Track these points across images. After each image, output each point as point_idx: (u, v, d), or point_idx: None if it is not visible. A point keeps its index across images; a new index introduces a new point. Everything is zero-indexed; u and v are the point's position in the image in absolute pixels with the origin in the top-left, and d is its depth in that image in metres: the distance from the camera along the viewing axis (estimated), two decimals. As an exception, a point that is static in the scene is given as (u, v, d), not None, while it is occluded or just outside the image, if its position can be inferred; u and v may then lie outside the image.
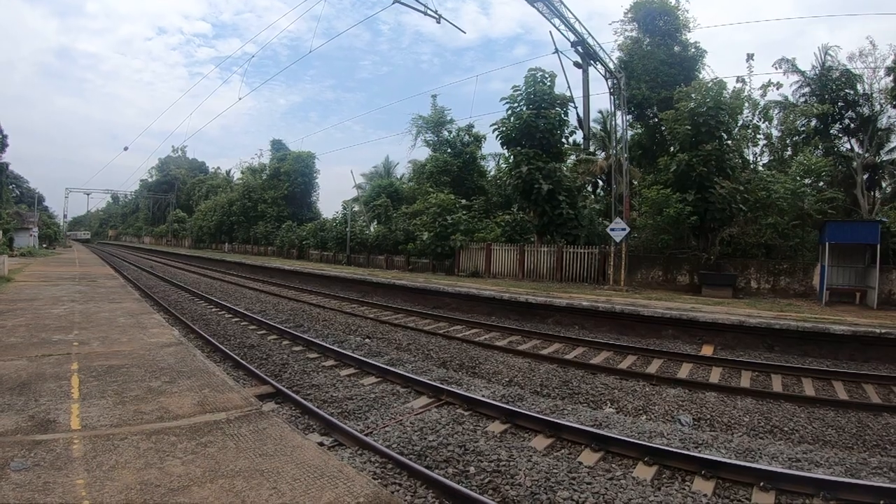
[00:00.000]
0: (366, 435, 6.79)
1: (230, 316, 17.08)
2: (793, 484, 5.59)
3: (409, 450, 6.45)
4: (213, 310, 18.41)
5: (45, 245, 64.32)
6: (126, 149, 71.95)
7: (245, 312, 17.07)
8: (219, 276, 33.92)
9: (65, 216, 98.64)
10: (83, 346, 8.28)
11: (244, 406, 5.72)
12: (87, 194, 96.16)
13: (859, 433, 7.65)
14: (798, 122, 30.82)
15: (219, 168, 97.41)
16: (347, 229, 40.43)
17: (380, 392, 9.01)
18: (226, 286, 27.12)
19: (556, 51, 22.69)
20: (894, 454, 7.00)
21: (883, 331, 12.26)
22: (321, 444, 6.25)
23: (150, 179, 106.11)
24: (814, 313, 15.25)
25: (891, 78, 27.26)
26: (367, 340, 13.65)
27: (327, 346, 12.09)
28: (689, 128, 22.84)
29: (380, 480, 5.52)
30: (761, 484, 5.58)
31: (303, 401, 8.09)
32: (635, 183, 29.45)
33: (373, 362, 10.50)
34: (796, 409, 8.62)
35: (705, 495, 5.46)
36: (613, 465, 6.21)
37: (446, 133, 41.45)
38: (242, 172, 72.49)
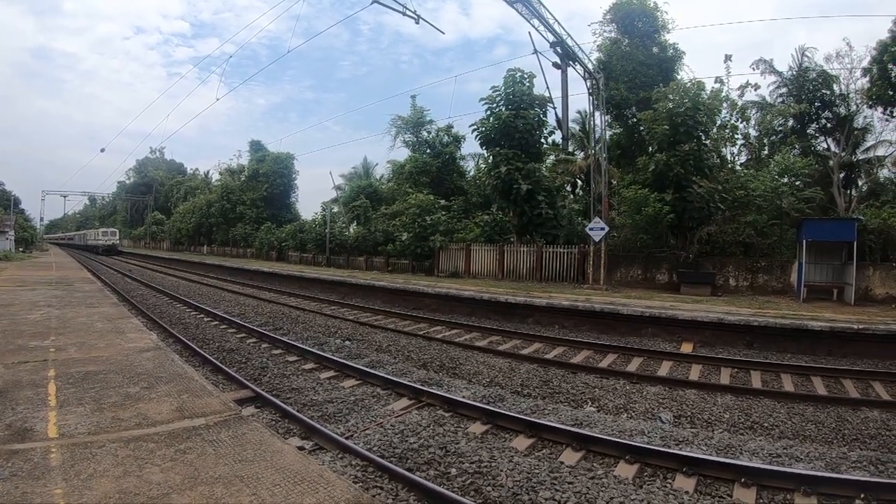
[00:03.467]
0: (346, 438, 6.70)
1: (209, 319, 16.85)
2: (774, 479, 5.59)
3: (391, 452, 6.37)
4: (192, 313, 18.17)
5: (21, 249, 63.12)
6: (103, 150, 70.99)
7: (224, 315, 16.87)
8: (197, 278, 33.54)
9: (41, 219, 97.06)
10: (60, 353, 8.15)
11: (223, 411, 5.65)
12: (64, 196, 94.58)
13: (839, 428, 7.70)
14: (775, 121, 31.29)
15: (197, 169, 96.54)
16: (327, 231, 40.20)
17: (360, 395, 8.93)
18: (204, 289, 26.81)
19: (535, 51, 22.89)
20: (874, 448, 7.05)
21: (860, 326, 12.41)
22: (301, 448, 6.15)
23: (127, 181, 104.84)
24: (792, 310, 15.41)
25: (867, 79, 27.71)
26: (346, 342, 13.54)
27: (307, 348, 11.96)
28: (667, 128, 23.01)
29: (361, 484, 5.43)
30: (742, 480, 5.58)
31: (282, 405, 7.97)
32: (614, 182, 29.62)
33: (353, 364, 10.39)
34: (776, 404, 8.67)
35: (687, 492, 5.44)
36: (595, 465, 6.18)
37: (425, 133, 41.40)
38: (221, 174, 71.88)
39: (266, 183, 56.09)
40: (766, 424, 7.88)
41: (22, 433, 4.83)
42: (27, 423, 5.06)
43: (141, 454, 4.43)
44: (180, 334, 13.57)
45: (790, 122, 31.31)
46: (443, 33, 25.40)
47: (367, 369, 10.06)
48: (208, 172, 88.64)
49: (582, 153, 36.97)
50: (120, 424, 5.13)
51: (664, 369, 11.05)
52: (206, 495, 3.78)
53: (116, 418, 5.29)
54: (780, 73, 32.63)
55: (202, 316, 17.53)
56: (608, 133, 30.79)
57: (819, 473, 5.68)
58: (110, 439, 4.75)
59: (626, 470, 5.97)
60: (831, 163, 29.90)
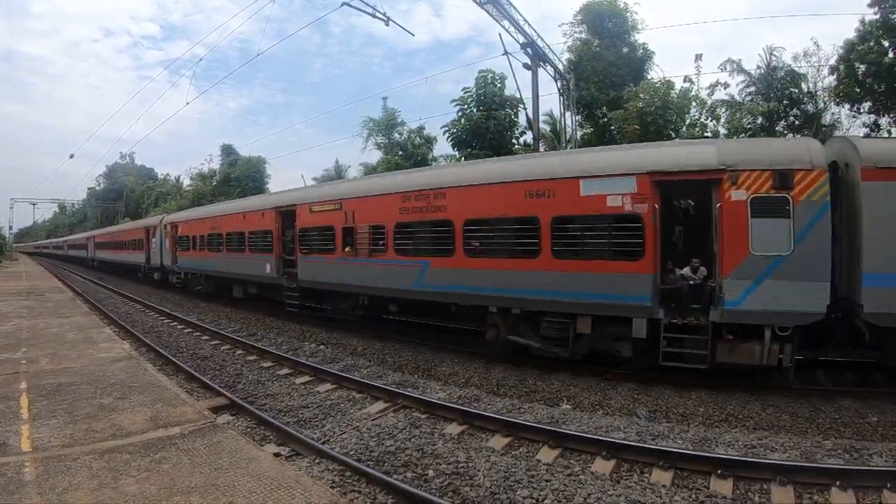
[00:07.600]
0: (323, 443, 6.68)
1: (182, 327, 16.62)
2: (749, 470, 5.62)
3: (367, 456, 6.34)
4: (165, 321, 17.89)
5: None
6: (72, 156, 70.28)
7: (197, 323, 16.67)
8: (170, 285, 33.03)
9: (10, 227, 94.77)
10: (32, 364, 8.15)
11: (198, 419, 5.66)
12: (33, 204, 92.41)
13: (813, 417, 7.78)
14: (745, 120, 31.70)
15: (168, 174, 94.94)
16: (301, 235, 39.74)
17: (336, 399, 8.88)
18: (177, 296, 26.42)
19: (506, 53, 22.77)
20: (848, 436, 7.13)
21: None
22: (278, 454, 6.10)
23: (98, 188, 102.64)
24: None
25: (834, 77, 28.21)
26: (321, 347, 13.41)
27: (281, 354, 11.88)
28: (637, 127, 23.16)
29: (338, 489, 5.40)
30: (719, 472, 5.60)
31: (258, 411, 7.93)
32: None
33: (328, 369, 10.34)
34: (750, 397, 8.71)
35: (664, 486, 5.44)
36: (572, 462, 6.16)
37: (397, 135, 41.16)
38: (192, 179, 70.84)
39: (238, 187, 55.29)
40: (740, 416, 7.93)
41: (-5, 448, 4.73)
42: (0, 438, 5.02)
43: (116, 466, 4.41)
44: (153, 343, 13.37)
45: (759, 120, 31.76)
46: (412, 35, 25.11)
47: (342, 373, 10.00)
48: (179, 177, 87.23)
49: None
50: (94, 436, 5.12)
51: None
52: (183, 505, 3.73)
53: (90, 430, 5.27)
54: (748, 73, 33.14)
55: (175, 324, 17.28)
56: (579, 133, 30.94)
57: (794, 463, 5.74)
58: (84, 451, 4.72)
59: (603, 466, 5.97)
60: (800, 159, 30.36)
